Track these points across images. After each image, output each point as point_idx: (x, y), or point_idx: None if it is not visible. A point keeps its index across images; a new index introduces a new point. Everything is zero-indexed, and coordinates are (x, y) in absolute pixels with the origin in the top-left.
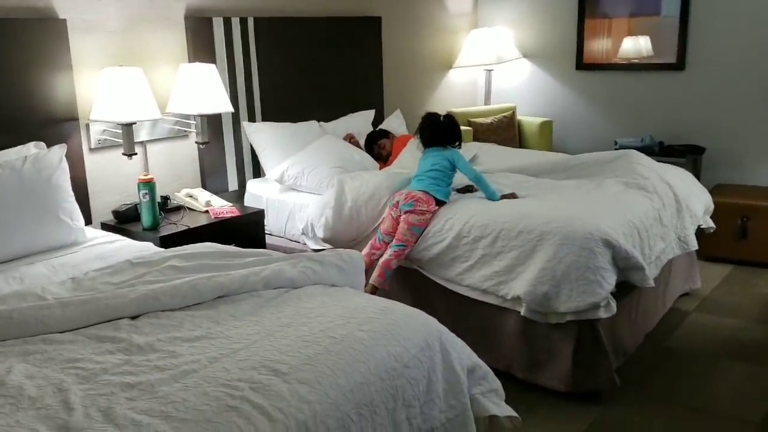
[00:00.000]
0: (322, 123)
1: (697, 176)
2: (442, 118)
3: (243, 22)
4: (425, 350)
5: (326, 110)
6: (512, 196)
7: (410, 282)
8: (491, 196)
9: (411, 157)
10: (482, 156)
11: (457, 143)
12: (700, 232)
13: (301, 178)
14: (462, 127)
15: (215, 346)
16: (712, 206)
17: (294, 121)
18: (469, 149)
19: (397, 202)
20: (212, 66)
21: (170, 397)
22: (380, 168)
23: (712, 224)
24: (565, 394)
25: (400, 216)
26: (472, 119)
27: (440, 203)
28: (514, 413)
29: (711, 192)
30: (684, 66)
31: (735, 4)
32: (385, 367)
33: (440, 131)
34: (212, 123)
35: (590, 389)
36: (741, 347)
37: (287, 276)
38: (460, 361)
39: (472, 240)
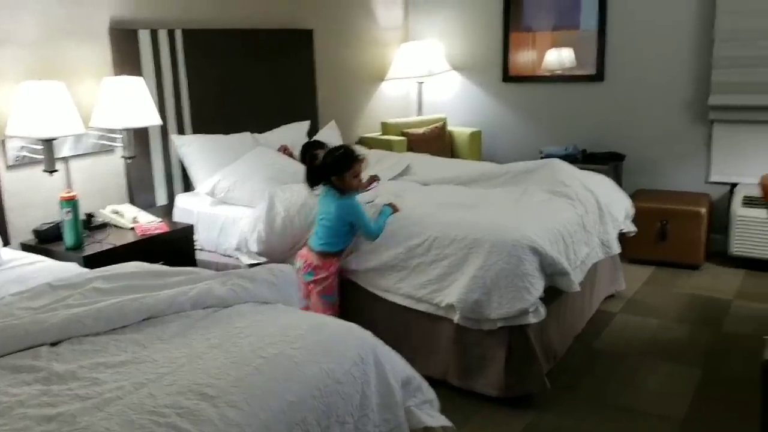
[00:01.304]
0: (255, 134)
1: (619, 182)
2: (313, 149)
3: (170, 34)
4: (359, 365)
5: (259, 122)
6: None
7: (345, 292)
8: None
9: None
10: (415, 166)
11: (339, 173)
12: (622, 236)
13: (234, 191)
14: (396, 138)
15: (141, 371)
16: (632, 211)
17: (226, 133)
18: (402, 160)
19: (299, 269)
20: (139, 79)
21: (92, 427)
22: None
23: (633, 228)
24: (499, 400)
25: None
26: (406, 130)
27: (342, 251)
28: (448, 423)
29: (631, 197)
30: (603, 77)
31: (648, 17)
32: (318, 385)
33: (317, 168)
34: (139, 137)
35: (523, 394)
36: (664, 346)
37: (217, 295)
38: (394, 374)
39: (407, 249)
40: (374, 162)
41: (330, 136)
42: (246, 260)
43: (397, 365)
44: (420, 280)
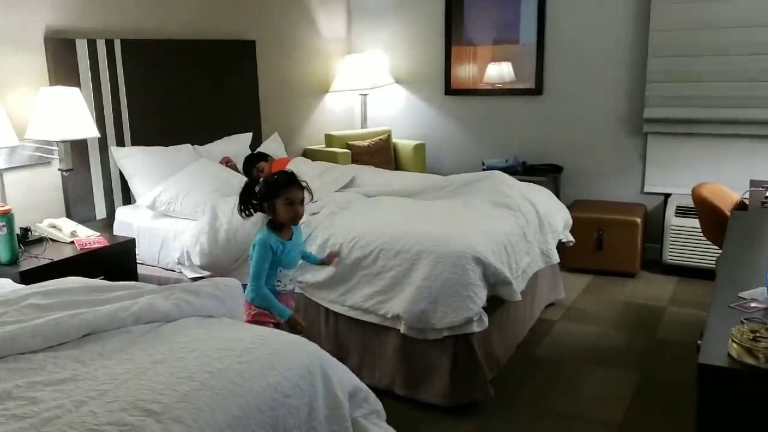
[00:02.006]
0: (196, 146)
1: (557, 194)
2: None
3: (109, 44)
4: (306, 378)
5: (201, 134)
6: (331, 257)
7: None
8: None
9: None
10: (360, 178)
11: (270, 199)
12: (561, 246)
13: (175, 204)
14: (340, 150)
15: (81, 388)
16: (570, 221)
17: (166, 144)
18: (347, 172)
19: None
20: (75, 89)
21: None
22: None
23: (571, 238)
24: (444, 409)
25: None
26: (350, 142)
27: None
28: None
29: (569, 208)
30: (542, 90)
31: (585, 33)
32: (265, 399)
33: (253, 192)
34: (77, 149)
35: (468, 402)
36: (602, 353)
37: (160, 309)
38: (341, 385)
39: (354, 261)
40: (318, 174)
41: (273, 148)
42: (189, 274)
43: (343, 377)
44: (366, 291)
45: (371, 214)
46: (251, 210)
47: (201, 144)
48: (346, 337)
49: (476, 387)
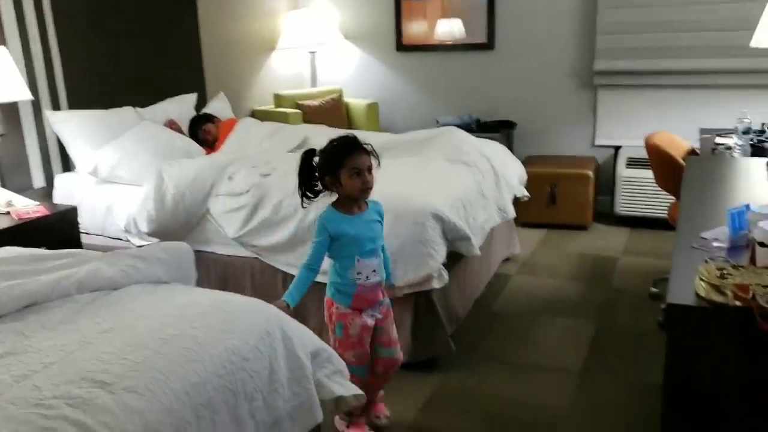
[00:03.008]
0: (138, 109)
1: (510, 149)
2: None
3: (37, 1)
4: (265, 340)
5: (143, 95)
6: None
7: (249, 270)
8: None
9: (238, 142)
10: (313, 138)
11: (332, 172)
12: (515, 201)
13: (118, 169)
14: (291, 110)
15: (23, 362)
16: (525, 176)
17: (106, 108)
18: (298, 132)
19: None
20: (1, 48)
21: None
22: (207, 154)
23: (526, 193)
24: (406, 365)
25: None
26: (301, 102)
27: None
28: (359, 391)
29: (523, 163)
30: (493, 46)
31: None
32: (223, 363)
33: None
34: (8, 113)
35: (430, 357)
36: (558, 304)
37: (105, 276)
38: (302, 346)
39: (311, 223)
40: (269, 135)
41: (220, 109)
42: (137, 242)
43: (304, 337)
44: None
45: None
46: (315, 190)
47: (143, 106)
48: (305, 300)
49: (438, 343)
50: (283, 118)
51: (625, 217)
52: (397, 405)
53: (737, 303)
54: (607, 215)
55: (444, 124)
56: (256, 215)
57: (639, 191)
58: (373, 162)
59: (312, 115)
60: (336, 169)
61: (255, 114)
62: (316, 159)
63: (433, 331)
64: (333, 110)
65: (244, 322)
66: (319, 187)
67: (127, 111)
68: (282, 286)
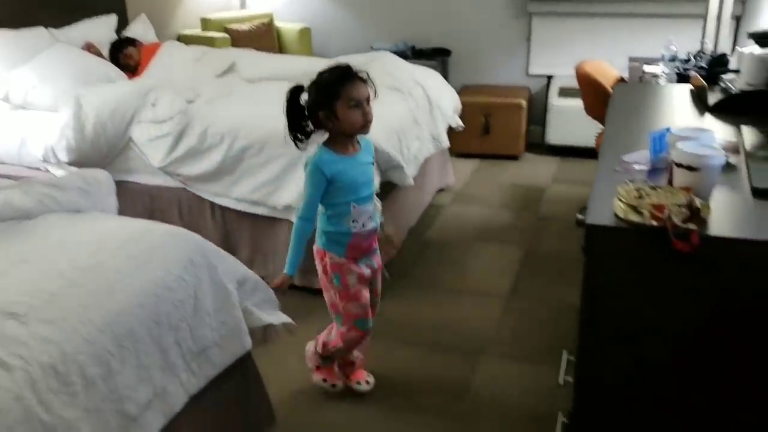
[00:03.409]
0: (52, 30)
1: (446, 78)
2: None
3: None
4: (189, 269)
5: (56, 15)
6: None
7: (177, 200)
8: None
9: (162, 67)
10: (241, 63)
11: (327, 106)
12: (450, 131)
13: (33, 95)
14: (218, 35)
15: None
16: (460, 106)
17: (15, 27)
18: (226, 56)
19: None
20: None
21: None
22: (129, 79)
23: (460, 123)
24: None
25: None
26: (229, 26)
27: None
28: (289, 320)
29: (458, 93)
30: None
31: None
32: (145, 293)
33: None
34: None
35: None
36: (489, 232)
37: (17, 206)
38: (228, 274)
39: (239, 151)
40: (194, 59)
41: (141, 31)
42: (57, 171)
43: (230, 266)
44: (254, 182)
45: (255, 101)
46: (306, 131)
47: (57, 27)
48: (235, 231)
49: None
50: (210, 43)
51: (556, 146)
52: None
53: (653, 222)
54: (538, 145)
55: (379, 51)
56: (182, 143)
57: (569, 121)
58: (371, 93)
59: (241, 40)
60: (331, 101)
61: (181, 39)
62: (305, 96)
63: None
64: (263, 35)
65: (167, 251)
66: (310, 126)
67: (40, 32)
68: (211, 216)
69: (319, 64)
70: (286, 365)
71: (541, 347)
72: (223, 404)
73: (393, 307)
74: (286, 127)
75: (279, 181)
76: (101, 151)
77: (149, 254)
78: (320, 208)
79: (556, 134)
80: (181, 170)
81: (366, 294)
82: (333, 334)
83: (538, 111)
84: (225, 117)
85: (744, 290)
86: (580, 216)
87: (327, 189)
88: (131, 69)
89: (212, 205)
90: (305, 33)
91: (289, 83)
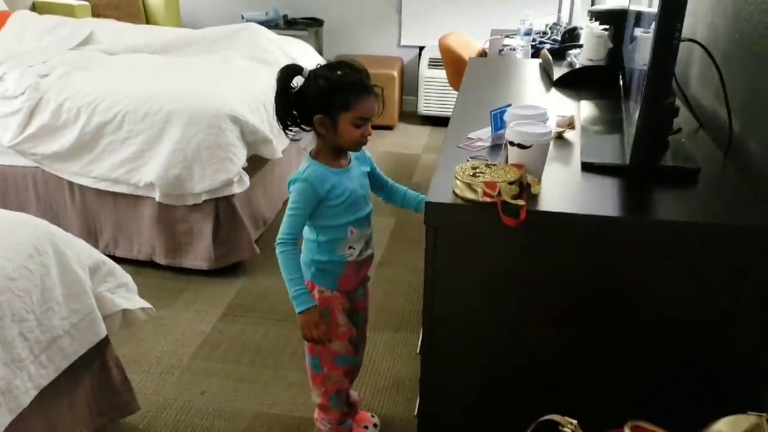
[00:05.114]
0: None
1: (320, 49)
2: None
3: None
4: (34, 257)
5: None
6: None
7: (32, 180)
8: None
9: (12, 38)
10: (99, 34)
11: (328, 110)
12: None
13: None
14: (78, 3)
15: None
16: None
17: None
18: (83, 27)
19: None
20: None
21: None
22: None
23: None
24: (209, 272)
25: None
26: None
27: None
28: (146, 304)
29: None
30: None
31: None
32: None
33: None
34: None
35: (233, 262)
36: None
37: None
38: (79, 261)
39: (97, 127)
40: (48, 29)
41: None
42: None
43: (81, 251)
44: (114, 160)
45: (113, 74)
46: (298, 124)
47: None
48: (96, 212)
49: (241, 247)
50: (68, 12)
51: (427, 116)
52: (198, 314)
53: (486, 199)
54: (412, 115)
55: (249, 20)
56: (34, 120)
57: (439, 91)
58: (377, 110)
59: (103, 8)
60: (338, 111)
61: (37, 7)
62: (299, 80)
63: (236, 236)
64: (127, 3)
65: (9, 239)
66: (298, 121)
67: None
68: (70, 197)
69: (182, 35)
70: (155, 349)
71: (409, 315)
72: (79, 394)
73: (261, 283)
74: (274, 110)
75: (140, 158)
76: None
77: None
78: (308, 233)
79: (427, 104)
80: (35, 149)
81: (353, 330)
82: (313, 396)
83: (411, 82)
84: (81, 91)
85: (567, 259)
86: None
87: (319, 209)
88: None
89: (71, 185)
90: (173, 2)
91: (149, 55)
